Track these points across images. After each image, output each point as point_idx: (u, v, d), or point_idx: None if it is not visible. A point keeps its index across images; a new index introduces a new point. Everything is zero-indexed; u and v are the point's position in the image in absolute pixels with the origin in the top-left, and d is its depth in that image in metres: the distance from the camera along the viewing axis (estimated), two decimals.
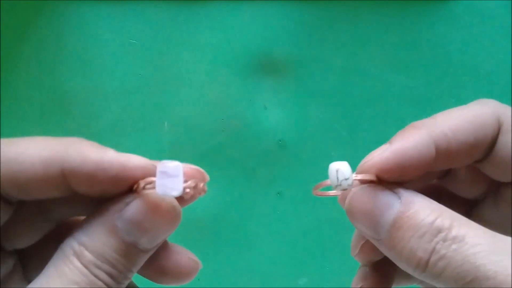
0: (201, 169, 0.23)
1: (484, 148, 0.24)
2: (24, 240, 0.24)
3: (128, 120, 0.56)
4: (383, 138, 0.24)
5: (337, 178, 0.22)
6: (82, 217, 0.26)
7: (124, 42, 0.57)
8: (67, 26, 0.57)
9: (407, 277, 0.28)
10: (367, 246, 0.26)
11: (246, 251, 0.55)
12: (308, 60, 0.57)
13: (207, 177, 0.23)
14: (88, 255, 0.21)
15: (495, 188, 0.26)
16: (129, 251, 0.21)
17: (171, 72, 0.57)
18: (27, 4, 0.57)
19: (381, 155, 0.22)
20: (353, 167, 0.23)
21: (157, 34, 0.57)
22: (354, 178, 0.23)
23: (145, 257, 0.22)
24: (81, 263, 0.20)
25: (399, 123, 0.26)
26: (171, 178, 0.21)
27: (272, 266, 0.55)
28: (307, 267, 0.55)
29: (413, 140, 0.22)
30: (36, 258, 0.25)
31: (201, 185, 0.23)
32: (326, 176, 0.24)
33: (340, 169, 0.22)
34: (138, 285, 0.26)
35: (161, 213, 0.22)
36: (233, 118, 0.56)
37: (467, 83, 0.57)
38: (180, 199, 0.22)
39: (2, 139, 0.21)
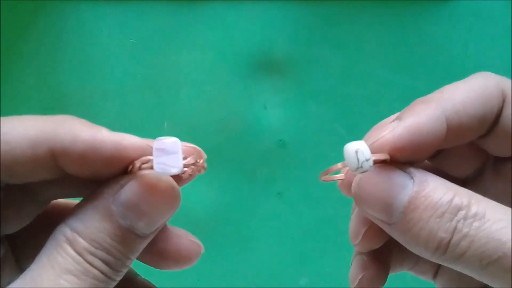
0: (197, 147, 0.22)
1: (491, 122, 0.22)
2: (12, 225, 0.22)
3: (128, 120, 0.56)
4: None
5: (358, 159, 0.20)
6: (73, 200, 0.24)
7: (124, 42, 0.56)
8: (67, 25, 0.56)
9: (401, 263, 0.27)
10: (371, 232, 0.24)
11: (246, 251, 0.55)
12: (308, 60, 0.57)
13: (205, 155, 0.22)
14: (81, 242, 0.19)
15: (489, 165, 0.25)
16: (125, 236, 0.20)
17: (171, 72, 0.57)
18: (27, 4, 0.56)
19: (394, 132, 0.20)
20: None
21: (157, 34, 0.57)
22: (373, 158, 0.20)
23: (144, 243, 0.21)
24: (75, 250, 0.19)
25: None
26: (169, 155, 0.20)
27: (272, 266, 0.55)
28: (308, 267, 0.55)
29: (425, 115, 0.21)
30: (28, 245, 0.24)
31: (201, 161, 0.21)
32: None
33: (360, 149, 0.20)
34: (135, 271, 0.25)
35: (159, 194, 0.20)
36: (233, 118, 0.56)
37: None
38: (178, 179, 0.21)
39: None
